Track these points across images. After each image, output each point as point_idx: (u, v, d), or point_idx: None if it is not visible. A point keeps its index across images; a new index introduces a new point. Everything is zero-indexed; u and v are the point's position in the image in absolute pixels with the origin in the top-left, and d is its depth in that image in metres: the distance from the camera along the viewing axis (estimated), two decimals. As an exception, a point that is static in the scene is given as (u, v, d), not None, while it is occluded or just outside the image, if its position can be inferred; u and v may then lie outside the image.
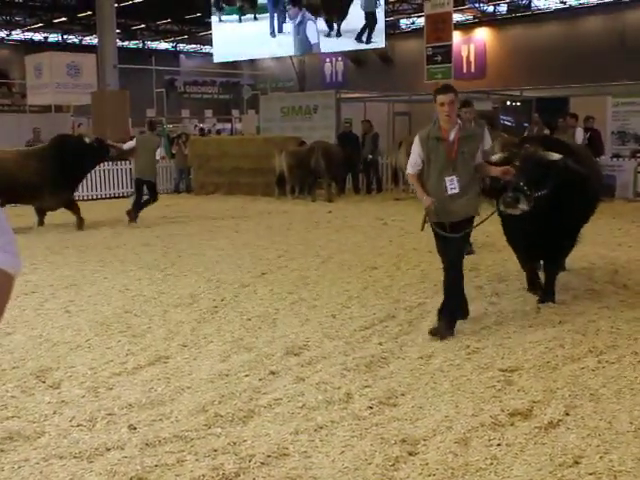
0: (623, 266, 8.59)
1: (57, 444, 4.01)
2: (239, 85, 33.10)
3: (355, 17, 24.94)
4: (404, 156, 13.55)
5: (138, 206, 13.51)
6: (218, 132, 31.43)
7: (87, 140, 13.18)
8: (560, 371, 5.07)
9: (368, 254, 9.83)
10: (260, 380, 4.99)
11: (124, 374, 5.18)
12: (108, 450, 3.93)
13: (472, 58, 34.91)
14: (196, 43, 45.73)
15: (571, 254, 7.54)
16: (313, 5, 25.70)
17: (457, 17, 31.41)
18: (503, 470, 3.67)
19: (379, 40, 25.13)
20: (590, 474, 3.59)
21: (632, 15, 30.53)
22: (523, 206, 5.97)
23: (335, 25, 25.34)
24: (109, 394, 4.79)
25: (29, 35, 42.48)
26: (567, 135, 13.41)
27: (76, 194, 14.19)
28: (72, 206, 13.01)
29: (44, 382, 5.03)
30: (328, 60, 38.96)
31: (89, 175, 16.19)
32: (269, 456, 3.83)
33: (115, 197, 19.00)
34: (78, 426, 4.26)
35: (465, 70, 34.08)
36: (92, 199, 18.35)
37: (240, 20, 27.97)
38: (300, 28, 26.28)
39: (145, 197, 13.67)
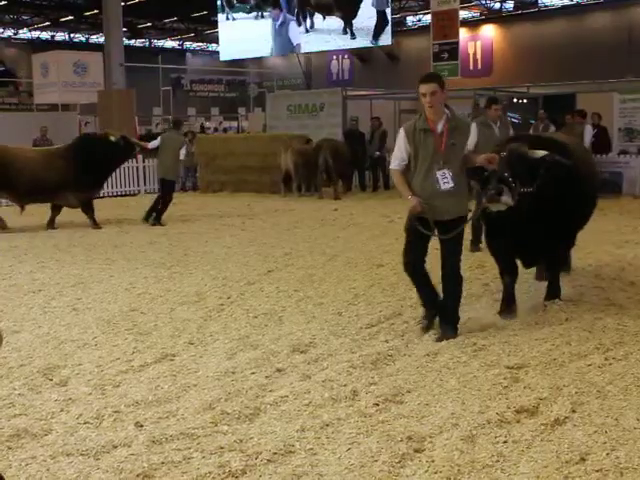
0: (630, 263, 8.55)
1: (64, 441, 4.02)
2: (245, 83, 33.10)
3: (362, 15, 24.87)
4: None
5: (158, 213, 13.26)
6: (225, 130, 31.47)
7: (113, 139, 12.93)
8: (567, 368, 5.05)
9: (374, 252, 9.82)
10: (266, 377, 4.99)
11: (131, 372, 5.19)
12: (115, 447, 3.94)
13: (479, 55, 34.88)
14: (202, 41, 45.86)
15: (577, 251, 7.48)
16: (325, 5, 25.61)
17: (463, 14, 31.43)
18: (509, 467, 3.67)
19: (386, 38, 25.09)
20: (597, 471, 3.58)
21: (639, 12, 30.42)
22: (507, 199, 5.50)
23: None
24: (116, 392, 4.80)
25: (36, 34, 42.69)
26: (576, 132, 13.36)
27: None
28: (89, 207, 12.93)
29: (51, 380, 5.04)
30: (334, 57, 38.97)
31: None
32: (275, 453, 3.83)
33: (122, 195, 19.02)
34: (85, 423, 4.27)
35: (472, 67, 34.04)
36: (99, 197, 18.33)
37: (257, 17, 27.78)
38: (282, 29, 26.33)
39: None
